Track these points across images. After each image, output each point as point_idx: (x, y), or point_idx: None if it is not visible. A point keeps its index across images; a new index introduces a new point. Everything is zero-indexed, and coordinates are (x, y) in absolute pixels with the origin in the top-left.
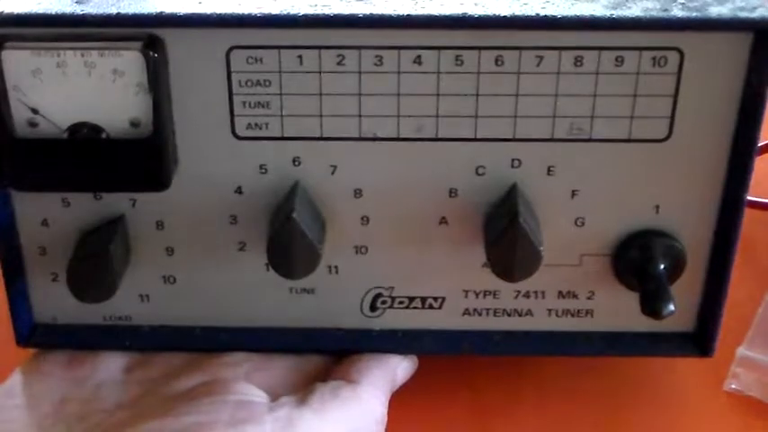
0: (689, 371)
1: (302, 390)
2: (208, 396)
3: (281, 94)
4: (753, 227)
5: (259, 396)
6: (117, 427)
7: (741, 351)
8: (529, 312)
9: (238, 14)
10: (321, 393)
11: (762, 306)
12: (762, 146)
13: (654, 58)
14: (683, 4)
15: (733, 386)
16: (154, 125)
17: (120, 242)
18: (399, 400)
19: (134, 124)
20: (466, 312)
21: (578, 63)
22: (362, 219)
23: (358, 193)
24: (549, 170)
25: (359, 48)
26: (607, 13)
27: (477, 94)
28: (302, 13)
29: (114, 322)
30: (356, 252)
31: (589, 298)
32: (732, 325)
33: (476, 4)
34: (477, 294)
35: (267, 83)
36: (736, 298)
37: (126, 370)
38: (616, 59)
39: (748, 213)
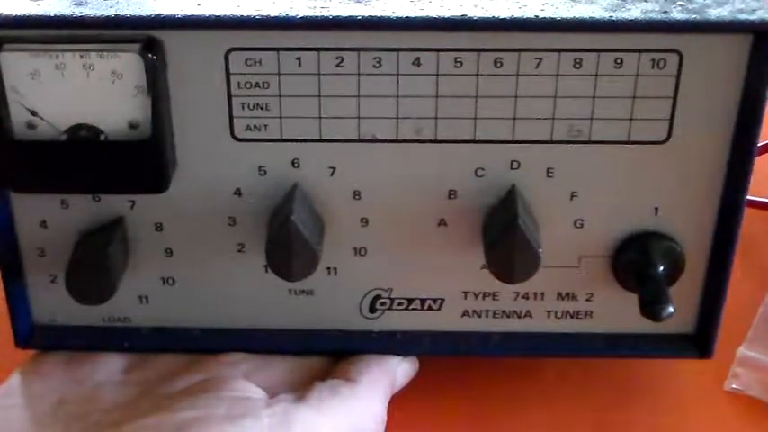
0: (689, 371)
1: (301, 389)
2: (205, 392)
3: (279, 96)
4: (753, 227)
5: (257, 393)
6: (114, 425)
7: (741, 351)
8: (528, 314)
9: (237, 16)
10: (319, 391)
11: (762, 306)
12: (762, 146)
13: (653, 60)
14: (682, 6)
15: (733, 386)
16: (152, 127)
17: (119, 244)
18: (399, 400)
19: (133, 126)
20: (465, 314)
21: (577, 65)
22: (361, 220)
23: (357, 194)
24: (548, 172)
25: (358, 50)
26: (606, 15)
27: (477, 96)
28: (301, 15)
29: (113, 323)
30: (355, 253)
31: (588, 299)
32: (732, 325)
33: (475, 6)
34: (476, 296)
35: (266, 85)
36: (736, 298)
37: (125, 370)
38: (615, 61)
39: (748, 213)
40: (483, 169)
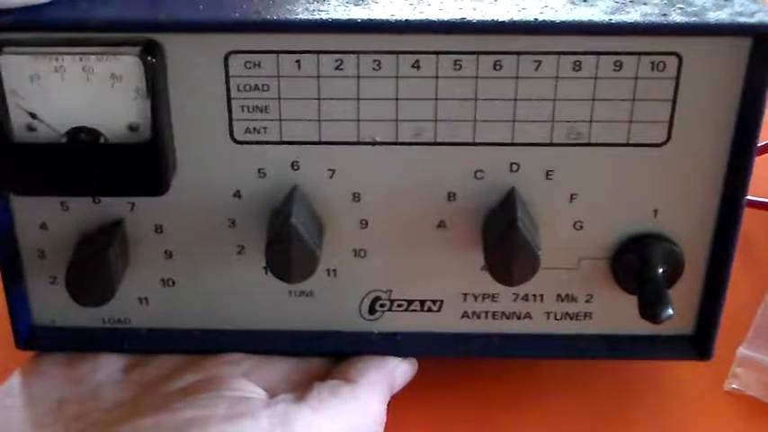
0: (689, 371)
1: (301, 389)
2: (204, 392)
3: (279, 99)
4: (753, 227)
5: (256, 393)
6: (113, 424)
7: (741, 351)
8: (528, 315)
9: (236, 19)
10: (319, 391)
11: (762, 306)
12: (762, 146)
13: (652, 63)
14: (681, 8)
15: (733, 386)
16: (152, 130)
17: (119, 246)
18: (399, 401)
19: (132, 129)
20: (465, 315)
21: (577, 68)
22: (361, 222)
23: (356, 196)
24: (547, 174)
25: (357, 52)
26: (605, 17)
27: (476, 99)
28: (300, 17)
29: (113, 325)
30: (355, 255)
31: (588, 301)
32: (732, 325)
33: (474, 9)
34: (475, 297)
35: (265, 87)
36: (736, 298)
37: (124, 370)
38: (615, 64)
39: (748, 213)
40: (482, 171)
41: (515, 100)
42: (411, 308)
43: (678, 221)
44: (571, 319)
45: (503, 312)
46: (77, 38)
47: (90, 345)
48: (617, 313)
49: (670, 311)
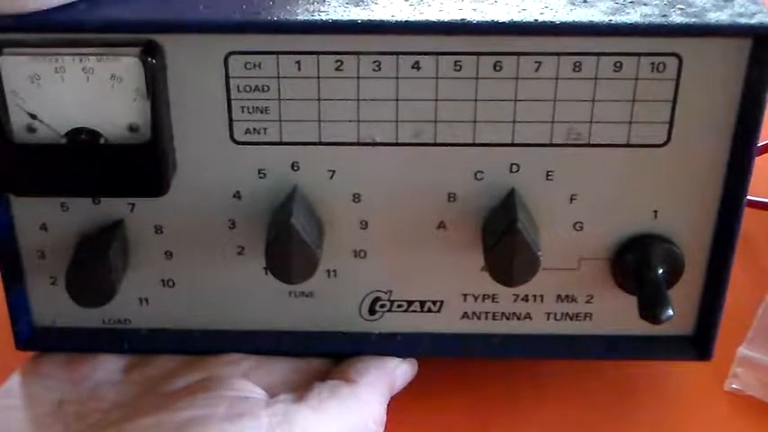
0: (689, 371)
1: (301, 389)
2: (205, 391)
3: (279, 100)
4: (753, 226)
5: (256, 393)
6: (114, 424)
7: (741, 351)
8: (528, 316)
9: (237, 20)
10: (319, 392)
11: (762, 306)
12: (762, 146)
13: (652, 64)
14: (681, 9)
15: (733, 386)
16: (152, 130)
17: (119, 247)
18: (399, 401)
19: (132, 129)
20: (465, 316)
21: (577, 68)
22: (361, 223)
23: (356, 197)
24: (547, 175)
25: (357, 53)
26: (606, 18)
27: (476, 100)
28: (300, 18)
29: (113, 325)
30: (355, 256)
31: (588, 302)
32: (732, 325)
33: (474, 10)
34: (475, 298)
35: (265, 88)
36: (736, 298)
37: (124, 370)
38: (615, 65)
39: (748, 213)
40: (482, 172)
41: (515, 101)
42: (411, 308)
43: (678, 222)
44: (571, 319)
45: (503, 313)
46: (77, 39)
47: (90, 345)
48: (617, 314)
49: (670, 312)
